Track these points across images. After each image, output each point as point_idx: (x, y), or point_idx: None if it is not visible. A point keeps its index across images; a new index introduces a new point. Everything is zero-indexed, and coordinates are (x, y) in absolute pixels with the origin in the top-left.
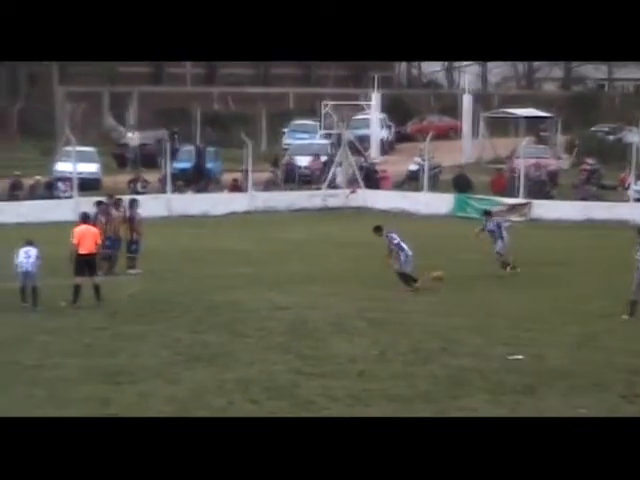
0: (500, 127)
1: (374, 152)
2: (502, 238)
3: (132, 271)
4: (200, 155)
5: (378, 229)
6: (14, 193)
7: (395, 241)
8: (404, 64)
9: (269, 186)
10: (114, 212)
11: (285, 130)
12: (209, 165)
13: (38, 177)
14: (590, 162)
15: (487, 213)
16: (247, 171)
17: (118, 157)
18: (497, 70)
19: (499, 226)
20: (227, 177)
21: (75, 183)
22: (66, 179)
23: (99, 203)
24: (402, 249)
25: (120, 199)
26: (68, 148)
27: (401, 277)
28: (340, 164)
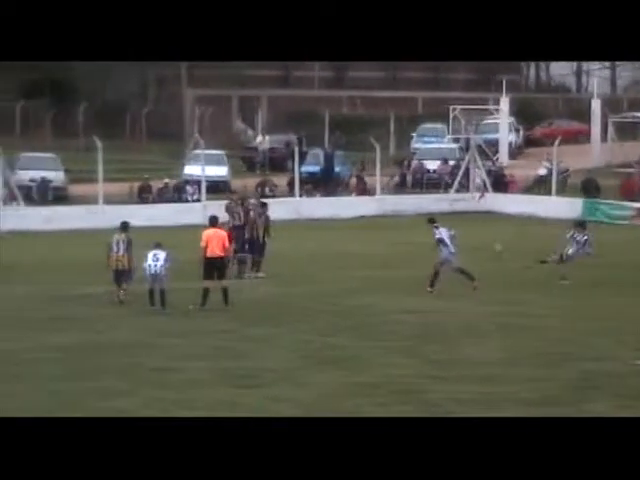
0: (629, 131)
1: (502, 156)
2: (577, 244)
3: (258, 274)
4: (328, 159)
5: (431, 221)
6: (143, 196)
7: (438, 236)
8: (533, 68)
9: (397, 190)
10: (247, 214)
11: (413, 134)
12: (338, 169)
13: (167, 180)
14: None
15: (580, 225)
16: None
17: (247, 160)
18: (626, 74)
19: (585, 239)
20: (355, 181)
21: (204, 186)
22: (195, 182)
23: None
24: (446, 245)
25: (251, 203)
26: (197, 151)
27: (434, 274)
28: (469, 168)
